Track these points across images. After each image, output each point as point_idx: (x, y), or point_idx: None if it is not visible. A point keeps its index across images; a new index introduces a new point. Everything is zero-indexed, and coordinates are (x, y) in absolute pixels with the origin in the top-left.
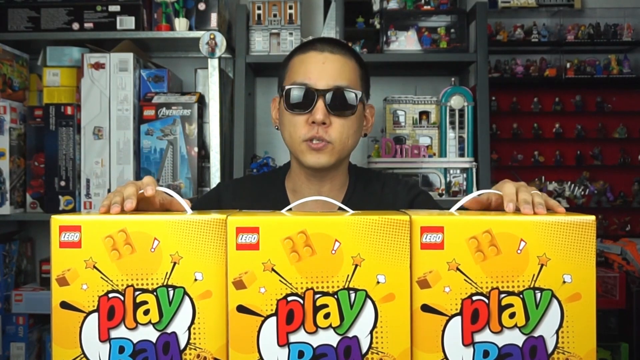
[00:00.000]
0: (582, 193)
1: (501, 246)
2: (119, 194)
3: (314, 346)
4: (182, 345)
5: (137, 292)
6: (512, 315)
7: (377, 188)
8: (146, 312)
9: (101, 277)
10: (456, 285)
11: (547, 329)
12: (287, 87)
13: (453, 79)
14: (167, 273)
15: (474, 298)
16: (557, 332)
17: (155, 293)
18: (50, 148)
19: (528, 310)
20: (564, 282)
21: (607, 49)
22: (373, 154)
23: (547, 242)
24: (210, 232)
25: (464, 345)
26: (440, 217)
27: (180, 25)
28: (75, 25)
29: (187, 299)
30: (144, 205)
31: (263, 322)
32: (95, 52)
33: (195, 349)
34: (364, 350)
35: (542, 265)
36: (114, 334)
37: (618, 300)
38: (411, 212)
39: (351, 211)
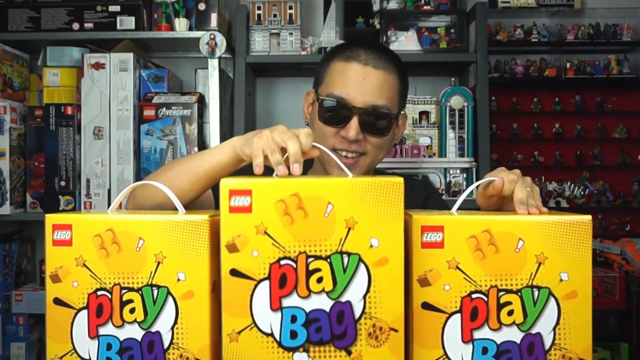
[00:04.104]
0: (582, 193)
1: (500, 245)
2: (276, 149)
3: (307, 311)
4: (166, 345)
5: (123, 291)
6: (510, 313)
7: None
8: (132, 311)
9: (90, 275)
10: (456, 283)
11: (544, 326)
12: (322, 98)
13: (453, 79)
14: (151, 272)
15: (473, 296)
16: (554, 329)
17: (140, 292)
18: (50, 148)
19: (526, 308)
20: (561, 280)
21: (607, 49)
22: None
23: (544, 241)
24: (193, 233)
25: (464, 342)
26: (440, 216)
27: (180, 25)
28: (75, 25)
29: (170, 299)
30: None
31: (256, 286)
32: (95, 52)
33: (178, 349)
34: (357, 315)
35: (539, 263)
36: (102, 331)
37: (618, 300)
38: (412, 212)
39: (350, 174)
